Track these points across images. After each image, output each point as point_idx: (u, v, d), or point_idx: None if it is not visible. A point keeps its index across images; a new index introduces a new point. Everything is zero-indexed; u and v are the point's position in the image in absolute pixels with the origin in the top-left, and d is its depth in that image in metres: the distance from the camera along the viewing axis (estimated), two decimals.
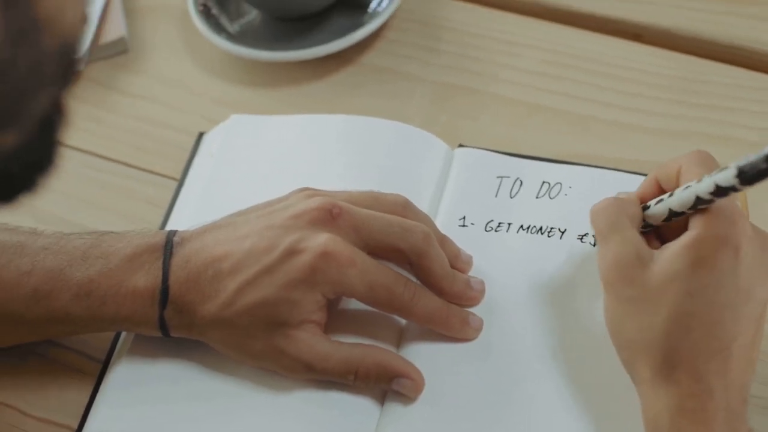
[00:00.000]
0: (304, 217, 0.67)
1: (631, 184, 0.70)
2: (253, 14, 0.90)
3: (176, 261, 0.67)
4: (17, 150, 0.45)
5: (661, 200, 0.63)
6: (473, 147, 0.79)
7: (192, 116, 0.85)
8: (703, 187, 0.59)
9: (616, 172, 0.76)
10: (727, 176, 0.57)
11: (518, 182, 0.76)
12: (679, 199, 0.61)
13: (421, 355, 0.68)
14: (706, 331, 0.58)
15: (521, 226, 0.74)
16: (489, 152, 0.78)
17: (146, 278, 0.67)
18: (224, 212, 0.72)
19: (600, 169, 0.77)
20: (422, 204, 0.74)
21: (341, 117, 0.81)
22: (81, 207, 0.81)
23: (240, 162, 0.79)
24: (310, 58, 0.86)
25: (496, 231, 0.74)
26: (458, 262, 0.71)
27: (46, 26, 0.42)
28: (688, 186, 0.60)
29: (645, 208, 0.65)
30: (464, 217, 0.74)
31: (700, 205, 0.59)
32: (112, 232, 0.70)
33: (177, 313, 0.66)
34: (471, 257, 0.72)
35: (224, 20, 0.89)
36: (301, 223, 0.66)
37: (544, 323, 0.69)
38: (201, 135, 0.83)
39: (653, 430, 0.59)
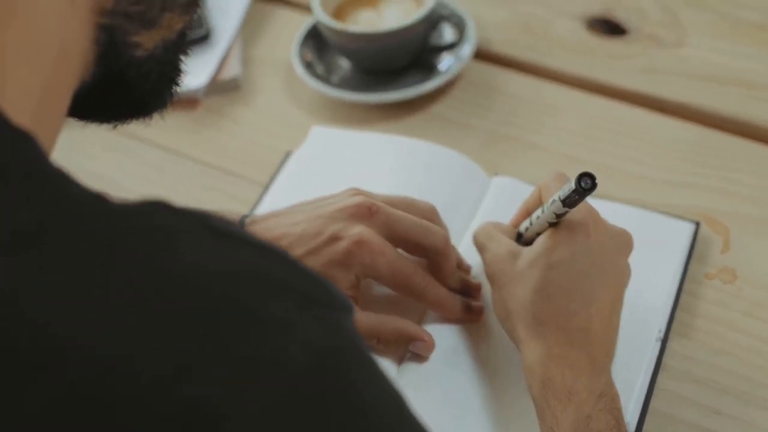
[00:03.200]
0: (347, 210, 0.81)
1: (633, 216, 0.87)
2: (344, 68, 1.09)
3: None
4: (154, 55, 0.55)
5: (528, 228, 0.79)
6: (508, 177, 0.95)
7: (286, 141, 1.02)
8: (548, 216, 0.75)
9: (632, 208, 0.91)
10: (558, 206, 0.73)
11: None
12: (538, 226, 0.76)
13: (432, 330, 0.82)
14: (566, 295, 0.72)
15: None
16: (519, 181, 0.94)
17: None
18: None
19: (616, 204, 0.91)
20: (461, 217, 0.91)
21: (405, 138, 0.98)
22: (182, 199, 0.98)
23: (315, 168, 0.97)
24: (387, 102, 1.03)
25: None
26: (461, 266, 0.86)
27: None
28: (539, 216, 0.76)
29: (519, 235, 0.80)
30: None
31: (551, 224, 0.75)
32: None
33: None
34: (471, 266, 0.86)
35: (321, 70, 1.08)
36: (344, 216, 0.80)
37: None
38: (289, 153, 1.01)
39: (530, 376, 0.72)
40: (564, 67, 1.07)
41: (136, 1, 0.52)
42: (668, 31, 1.09)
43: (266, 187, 0.98)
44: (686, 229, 0.90)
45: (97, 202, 0.43)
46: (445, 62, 1.07)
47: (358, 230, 0.80)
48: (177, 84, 0.59)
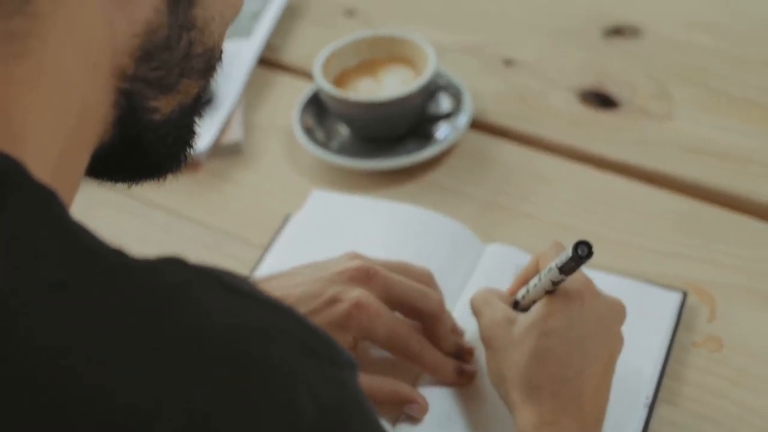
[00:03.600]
0: (346, 273, 0.83)
1: (623, 286, 0.90)
2: (344, 135, 1.11)
3: None
4: (170, 119, 0.58)
5: (524, 296, 0.81)
6: (501, 244, 0.98)
7: (286, 204, 1.05)
8: (545, 284, 0.77)
9: (620, 277, 0.93)
10: (555, 273, 0.76)
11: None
12: (534, 294, 0.79)
13: (426, 393, 0.84)
14: (560, 362, 0.75)
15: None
16: (512, 248, 0.97)
17: None
18: None
19: (608, 274, 0.93)
20: (455, 283, 0.93)
21: (403, 206, 1.01)
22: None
23: (314, 231, 0.99)
24: (383, 169, 1.06)
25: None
26: (455, 330, 0.88)
27: (198, 29, 0.56)
28: (535, 284, 0.79)
29: (516, 303, 0.83)
30: None
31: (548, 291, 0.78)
32: None
33: None
34: (464, 331, 0.88)
35: (321, 136, 1.11)
36: (343, 279, 0.83)
37: None
38: (288, 216, 1.03)
39: None
40: (557, 138, 1.10)
41: (155, 67, 0.55)
42: (659, 104, 1.12)
43: (266, 249, 1.00)
44: (674, 299, 0.92)
45: (117, 257, 0.46)
46: (442, 131, 1.10)
47: (357, 293, 0.82)
48: (191, 146, 0.62)
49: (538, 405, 0.74)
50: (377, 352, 0.87)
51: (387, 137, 1.10)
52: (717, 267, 0.96)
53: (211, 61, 0.60)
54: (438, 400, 0.85)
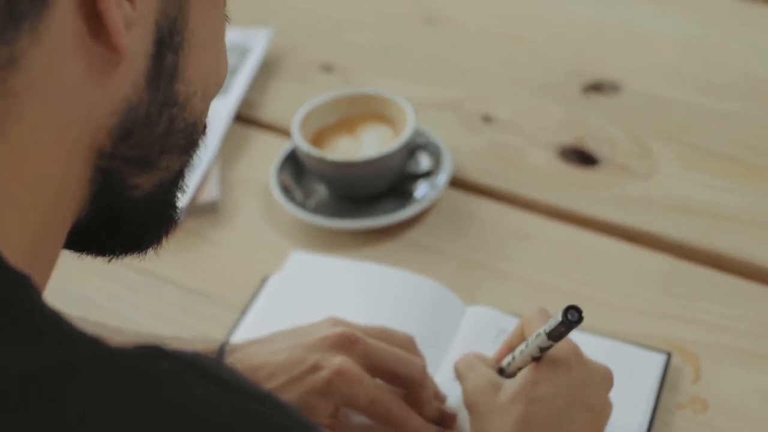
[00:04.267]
0: (328, 340, 0.82)
1: (605, 347, 0.89)
2: (322, 193, 1.10)
3: None
4: (151, 195, 0.57)
5: (510, 363, 0.80)
6: (482, 306, 0.97)
7: (263, 264, 1.03)
8: (531, 350, 0.76)
9: (603, 339, 0.92)
10: (542, 339, 0.75)
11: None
12: (521, 360, 0.78)
13: None
14: (547, 429, 0.74)
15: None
16: (494, 311, 0.95)
17: None
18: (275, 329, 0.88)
19: (591, 336, 0.92)
20: (436, 345, 0.92)
21: (383, 268, 1.00)
22: (160, 321, 0.99)
23: (293, 292, 0.98)
24: (363, 229, 1.05)
25: None
26: (437, 395, 0.86)
27: (179, 105, 0.56)
28: (522, 351, 0.78)
29: (501, 370, 0.81)
30: None
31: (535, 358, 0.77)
32: (179, 338, 0.87)
33: None
34: (446, 396, 0.87)
35: (299, 196, 1.10)
36: (325, 346, 0.82)
37: None
38: (266, 277, 1.02)
39: None
40: (536, 195, 1.09)
41: (135, 145, 0.54)
42: (639, 161, 1.12)
43: (243, 311, 0.99)
44: (657, 360, 0.91)
45: (93, 346, 0.44)
46: (421, 189, 1.09)
47: (339, 360, 0.81)
48: (173, 221, 0.61)
49: None
50: (358, 419, 0.85)
51: (366, 196, 1.08)
52: (701, 326, 0.95)
53: (193, 136, 0.59)
54: None
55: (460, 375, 0.81)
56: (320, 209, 1.08)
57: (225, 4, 0.60)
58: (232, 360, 0.83)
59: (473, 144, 1.16)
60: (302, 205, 1.08)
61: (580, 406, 0.75)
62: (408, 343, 0.87)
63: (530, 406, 0.74)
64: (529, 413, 0.74)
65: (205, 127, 0.60)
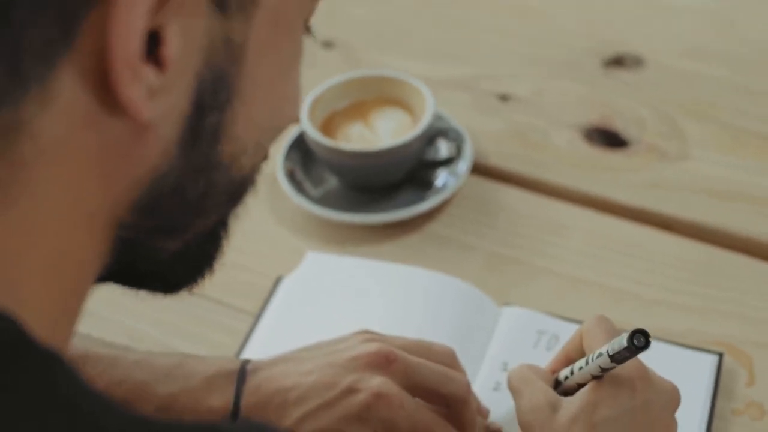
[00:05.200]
0: (363, 359, 0.75)
1: (661, 353, 0.82)
2: (333, 182, 1.03)
3: (248, 387, 0.75)
4: (181, 253, 0.51)
5: (568, 377, 0.73)
6: (517, 306, 0.90)
7: (273, 264, 0.96)
8: (592, 369, 0.70)
9: None
10: (605, 360, 0.68)
11: (555, 338, 0.87)
12: (580, 377, 0.71)
13: None
14: None
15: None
16: (530, 311, 0.89)
17: (221, 399, 0.75)
18: (292, 343, 0.81)
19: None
20: (469, 351, 0.86)
21: (406, 267, 0.93)
22: (170, 330, 0.91)
23: (311, 297, 0.91)
24: (380, 223, 0.98)
25: None
26: (479, 411, 0.80)
27: (223, 168, 0.48)
28: (581, 368, 0.71)
29: (557, 383, 0.75)
30: (506, 363, 0.85)
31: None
32: (195, 356, 0.79)
33: None
34: (489, 411, 0.81)
35: (308, 185, 1.02)
36: (360, 365, 0.75)
37: None
38: (280, 278, 0.95)
39: None
40: (564, 181, 1.03)
41: (161, 216, 0.48)
42: (669, 142, 1.05)
43: (258, 317, 0.92)
44: (709, 362, 0.85)
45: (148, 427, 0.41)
46: (441, 177, 1.02)
47: (377, 382, 0.74)
48: (211, 266, 0.54)
49: None
50: None
51: (381, 186, 1.01)
52: (750, 323, 0.90)
53: (238, 193, 0.52)
54: None
55: (514, 390, 0.74)
56: (332, 200, 1.01)
57: (303, 31, 0.52)
58: (258, 381, 0.76)
59: (491, 126, 1.09)
60: (311, 195, 1.01)
61: (645, 430, 0.69)
62: (448, 357, 0.80)
63: (590, 431, 0.68)
64: None
65: (254, 181, 0.53)
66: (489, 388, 0.84)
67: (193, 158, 0.47)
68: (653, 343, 0.85)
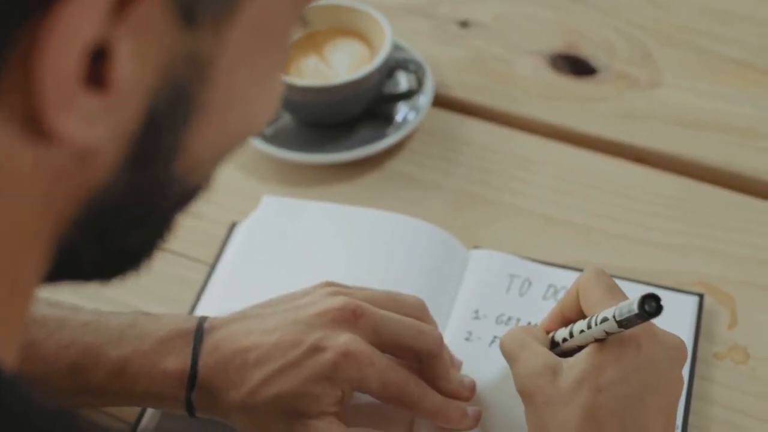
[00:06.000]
0: (328, 315, 0.70)
1: (630, 292, 0.77)
2: (286, 119, 0.97)
3: (205, 347, 0.70)
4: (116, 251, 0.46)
5: (566, 339, 0.69)
6: (487, 249, 0.85)
7: (227, 209, 0.90)
8: (596, 333, 0.65)
9: (623, 282, 0.81)
10: (611, 326, 0.63)
11: (527, 282, 0.82)
12: (581, 340, 0.67)
13: None
14: (618, 422, 0.63)
15: (529, 322, 0.80)
16: (501, 254, 0.84)
17: (177, 361, 0.70)
18: (251, 294, 0.76)
19: None
20: (438, 298, 0.81)
21: (368, 210, 0.87)
22: (121, 287, 0.86)
23: (269, 242, 0.86)
24: (338, 162, 0.93)
25: (506, 324, 0.79)
26: (452, 363, 0.76)
27: (176, 181, 0.44)
28: (582, 331, 0.66)
29: (554, 344, 0.70)
30: (477, 310, 0.80)
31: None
32: (147, 314, 0.74)
33: (203, 396, 0.70)
34: (461, 362, 0.77)
35: None
36: (325, 321, 0.70)
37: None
38: (234, 225, 0.89)
39: None
40: (530, 112, 0.97)
41: (105, 230, 0.43)
42: (641, 69, 1.00)
43: (213, 267, 0.86)
44: (689, 304, 0.81)
45: None
46: (401, 112, 0.96)
47: (344, 339, 0.69)
48: (151, 256, 0.48)
49: None
50: (362, 398, 0.74)
51: (335, 123, 0.95)
52: (729, 260, 0.86)
53: (188, 200, 0.47)
54: None
55: (510, 356, 0.69)
56: (286, 139, 0.95)
57: (288, 36, 0.45)
58: (215, 341, 0.71)
59: (452, 55, 1.03)
60: (263, 133, 0.94)
61: (652, 390, 0.64)
62: (418, 309, 0.75)
63: (597, 396, 0.63)
64: (597, 404, 0.63)
65: (209, 183, 0.47)
66: (461, 339, 0.79)
67: (142, 178, 0.42)
68: (626, 284, 0.81)
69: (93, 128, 0.38)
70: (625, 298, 0.67)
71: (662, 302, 0.60)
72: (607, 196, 0.91)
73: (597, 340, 0.65)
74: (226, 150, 0.47)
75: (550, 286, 0.82)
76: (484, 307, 0.81)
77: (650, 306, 0.60)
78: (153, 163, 0.42)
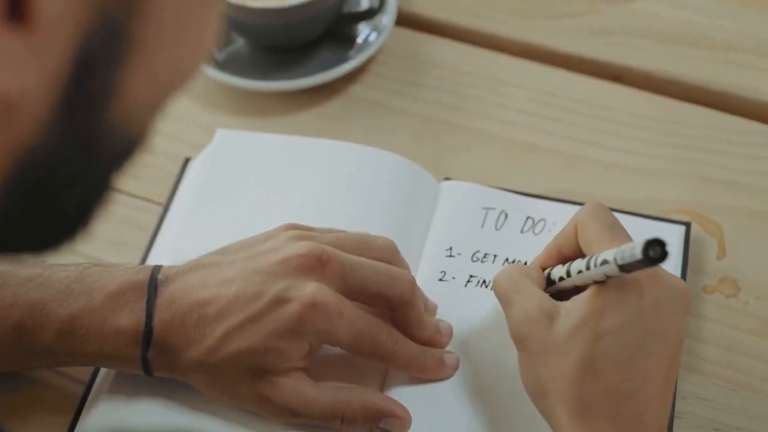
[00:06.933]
0: (292, 262, 0.65)
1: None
2: (239, 43, 0.90)
3: (160, 301, 0.65)
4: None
5: (563, 279, 0.64)
6: (459, 180, 0.80)
7: (179, 143, 0.84)
8: (595, 275, 0.60)
9: None
10: (612, 269, 0.58)
11: (503, 215, 0.77)
12: (579, 281, 0.62)
13: (405, 394, 0.68)
14: (618, 372, 0.58)
15: (506, 259, 0.75)
16: (474, 185, 0.79)
17: (130, 317, 0.65)
18: (207, 238, 0.71)
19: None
20: (409, 234, 0.76)
21: (330, 142, 0.82)
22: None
23: (225, 180, 0.80)
24: (296, 89, 0.86)
25: (482, 261, 0.75)
26: (427, 308, 0.71)
27: (113, 132, 0.40)
28: (581, 271, 0.62)
29: (550, 282, 0.66)
30: (451, 248, 0.75)
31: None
32: (96, 265, 0.68)
33: (160, 354, 0.65)
34: (436, 305, 0.72)
35: None
36: (289, 270, 0.65)
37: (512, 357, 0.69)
38: (187, 160, 0.83)
39: None
40: (500, 29, 0.91)
41: (32, 191, 0.39)
42: None
43: (166, 207, 0.80)
44: (675, 234, 0.77)
45: None
46: (363, 33, 0.89)
47: (310, 289, 0.64)
48: (88, 224, 0.44)
49: (593, 429, 0.58)
50: (331, 350, 0.69)
51: (293, 47, 0.89)
52: (715, 185, 0.81)
53: (127, 156, 0.42)
54: (421, 405, 0.68)
55: (503, 298, 0.64)
56: (239, 65, 0.88)
57: None
58: (170, 293, 0.66)
59: None
60: (215, 60, 0.88)
61: (655, 337, 0.59)
62: (388, 252, 0.70)
63: (596, 343, 0.58)
64: (596, 352, 0.58)
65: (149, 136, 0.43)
66: (434, 279, 0.74)
67: (74, 129, 0.37)
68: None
69: (17, 74, 0.34)
70: (627, 236, 0.62)
71: (667, 248, 0.55)
72: (585, 119, 0.85)
73: (596, 282, 0.60)
74: (165, 93, 0.43)
75: (528, 218, 0.77)
76: (458, 243, 0.76)
77: (655, 252, 0.55)
78: (87, 110, 0.38)
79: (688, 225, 0.77)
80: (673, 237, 0.76)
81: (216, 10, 0.42)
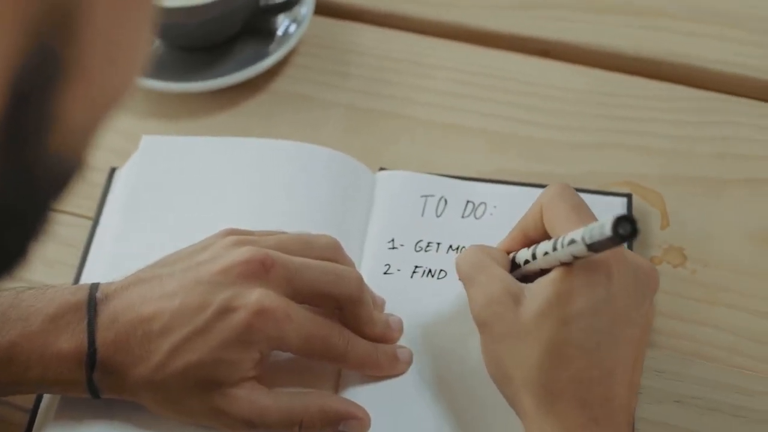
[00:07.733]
0: (234, 270, 0.63)
1: None
2: (155, 44, 0.87)
3: (102, 320, 0.62)
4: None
5: (529, 261, 0.63)
6: (394, 170, 0.78)
7: (103, 152, 0.80)
8: (562, 256, 0.59)
9: (538, 188, 0.75)
10: (580, 249, 0.57)
11: (443, 201, 0.75)
12: (545, 263, 0.61)
13: (361, 394, 0.66)
14: (585, 357, 0.57)
15: (450, 246, 0.73)
16: (411, 173, 0.77)
17: (71, 340, 0.62)
18: (143, 250, 0.69)
19: (522, 187, 0.76)
20: (349, 229, 0.74)
21: (260, 141, 0.79)
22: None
23: (155, 188, 0.77)
24: (217, 88, 0.84)
25: (426, 251, 0.73)
26: (375, 303, 0.70)
27: (49, 161, 0.37)
28: (547, 253, 0.60)
29: (515, 266, 0.64)
30: (393, 239, 0.73)
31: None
32: (30, 288, 0.65)
33: (107, 375, 0.62)
34: (384, 300, 0.71)
35: None
36: (232, 278, 0.63)
37: (475, 345, 0.68)
38: (113, 170, 0.80)
39: None
40: (422, 11, 0.90)
41: None
42: None
43: (96, 221, 0.77)
44: (616, 206, 0.76)
45: None
46: (282, 25, 0.87)
47: (256, 296, 0.62)
48: (25, 257, 0.40)
49: (561, 416, 0.57)
50: (282, 355, 0.67)
51: (209, 45, 0.86)
52: (653, 155, 0.80)
53: (64, 184, 0.39)
54: (379, 403, 0.66)
55: (466, 278, 0.63)
56: (159, 68, 0.85)
57: None
58: (112, 311, 0.63)
59: None
60: None
61: (624, 321, 0.58)
62: (332, 249, 0.68)
63: (563, 328, 0.57)
64: (562, 338, 0.57)
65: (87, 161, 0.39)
66: (379, 273, 0.72)
67: (12, 161, 0.34)
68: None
69: None
70: (593, 217, 0.61)
71: (638, 225, 0.54)
72: (516, 96, 0.84)
73: (563, 264, 0.59)
74: (103, 115, 0.39)
75: (468, 202, 0.76)
76: (400, 234, 0.74)
77: (624, 228, 0.54)
78: (25, 141, 0.35)
79: (629, 197, 0.76)
80: (616, 210, 0.75)
81: (148, 26, 0.39)
